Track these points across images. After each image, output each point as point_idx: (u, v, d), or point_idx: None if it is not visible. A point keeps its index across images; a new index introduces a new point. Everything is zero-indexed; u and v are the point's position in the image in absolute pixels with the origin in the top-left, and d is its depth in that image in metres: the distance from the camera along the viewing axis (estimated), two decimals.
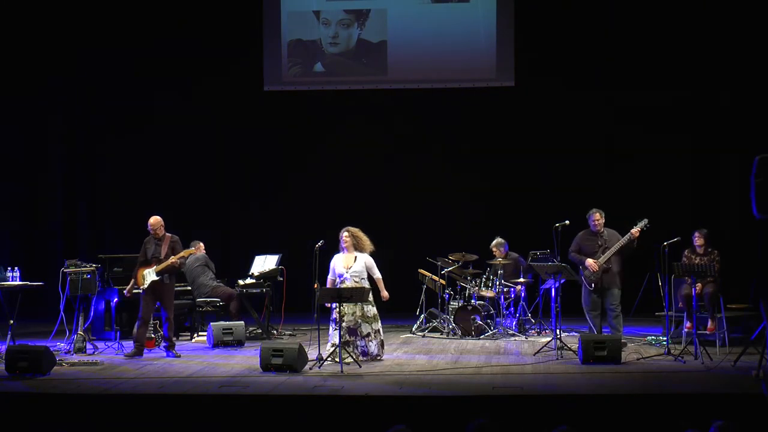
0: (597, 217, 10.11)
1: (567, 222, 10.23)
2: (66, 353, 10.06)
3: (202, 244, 11.96)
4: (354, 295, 9.08)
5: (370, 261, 9.55)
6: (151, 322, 10.31)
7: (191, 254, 11.14)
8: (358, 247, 9.50)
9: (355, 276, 9.42)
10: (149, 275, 9.95)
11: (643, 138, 14.13)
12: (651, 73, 14.02)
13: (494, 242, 11.96)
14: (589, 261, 9.94)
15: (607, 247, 10.02)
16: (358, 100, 14.71)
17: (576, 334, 11.07)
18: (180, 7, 14.72)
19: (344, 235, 9.48)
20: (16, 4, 14.13)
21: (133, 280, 10.14)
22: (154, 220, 10.12)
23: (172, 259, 9.91)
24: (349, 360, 9.13)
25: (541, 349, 9.88)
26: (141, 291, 10.05)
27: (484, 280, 11.80)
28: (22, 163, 14.62)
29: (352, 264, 9.46)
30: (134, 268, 10.18)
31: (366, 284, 9.45)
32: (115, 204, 14.83)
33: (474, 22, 14.43)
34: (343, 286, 9.33)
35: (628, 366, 8.99)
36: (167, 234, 10.12)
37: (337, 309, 9.13)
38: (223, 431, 7.49)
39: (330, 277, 9.59)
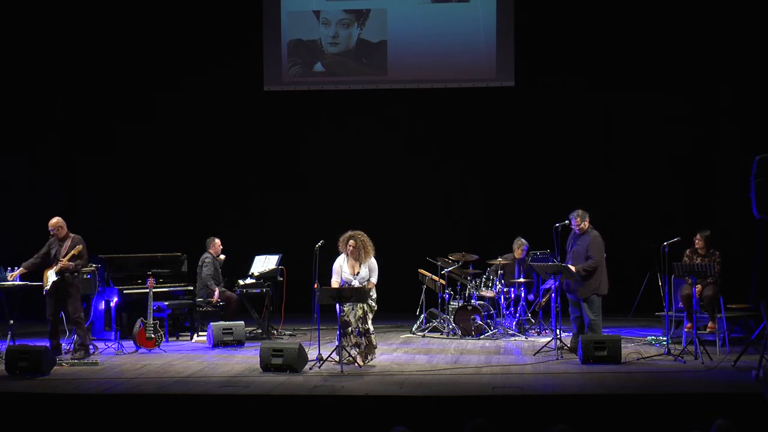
0: (577, 222, 9.97)
1: (567, 222, 10.21)
2: (66, 353, 10.06)
3: (217, 241, 11.97)
4: (354, 295, 9.09)
5: (374, 265, 9.55)
6: (152, 322, 10.32)
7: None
8: (364, 254, 9.49)
9: (363, 281, 9.44)
10: (51, 276, 9.93)
11: (643, 138, 14.13)
12: (651, 73, 14.01)
13: (516, 242, 11.91)
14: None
15: (575, 251, 9.97)
16: (358, 100, 14.69)
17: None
18: (180, 7, 14.71)
19: (351, 242, 9.44)
20: None
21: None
22: (54, 221, 10.10)
23: (63, 260, 9.84)
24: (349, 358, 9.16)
25: (541, 349, 9.89)
26: (45, 292, 10.02)
27: (484, 280, 11.80)
28: (22, 164, 14.61)
29: (359, 269, 9.48)
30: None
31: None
32: (115, 204, 14.82)
33: (474, 22, 14.42)
34: None
35: (628, 366, 9.00)
36: (70, 234, 10.11)
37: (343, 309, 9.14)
38: (223, 431, 7.50)
39: (335, 279, 9.53)
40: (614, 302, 11.24)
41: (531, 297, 11.88)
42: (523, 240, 11.92)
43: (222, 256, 12.01)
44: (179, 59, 14.75)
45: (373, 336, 9.34)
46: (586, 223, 10.01)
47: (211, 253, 11.87)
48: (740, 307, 10.48)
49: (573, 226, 10.03)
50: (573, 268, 9.75)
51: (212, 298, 11.62)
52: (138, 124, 14.94)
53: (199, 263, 11.87)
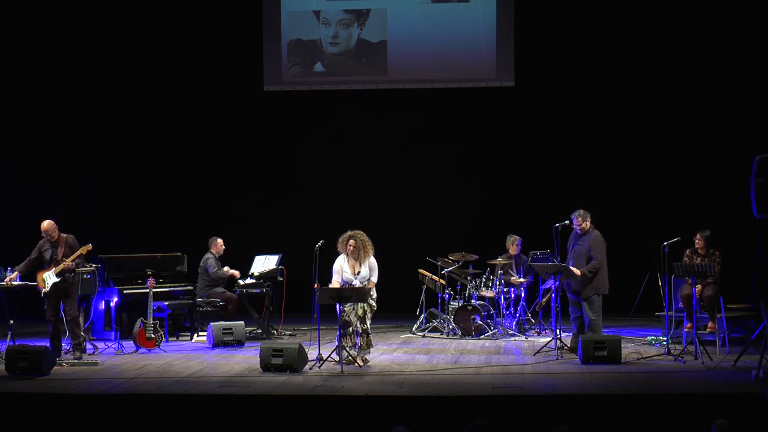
0: (578, 222, 9.97)
1: (567, 222, 10.19)
2: (66, 353, 10.06)
3: (220, 241, 11.99)
4: (355, 295, 9.08)
5: (374, 264, 9.55)
6: (152, 322, 10.32)
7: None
8: (364, 253, 9.48)
9: (364, 281, 9.44)
10: (50, 278, 9.89)
11: (643, 137, 14.13)
12: (650, 73, 14.01)
13: (509, 239, 11.95)
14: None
15: (577, 251, 9.96)
16: (358, 100, 14.69)
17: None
18: (180, 7, 14.71)
19: (351, 242, 9.43)
20: None
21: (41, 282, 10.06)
22: (47, 224, 10.04)
23: (67, 261, 9.83)
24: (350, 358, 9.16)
25: (541, 349, 9.89)
26: (43, 294, 9.98)
27: (484, 280, 11.80)
28: (22, 164, 14.62)
29: (359, 269, 9.47)
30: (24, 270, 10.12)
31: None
32: (115, 204, 14.82)
33: (474, 22, 14.42)
34: None
35: (628, 366, 9.00)
36: (62, 235, 10.08)
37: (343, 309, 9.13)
38: (223, 431, 7.50)
39: (336, 279, 9.52)
40: (614, 302, 11.23)
41: (529, 282, 11.86)
42: (515, 236, 11.94)
43: (227, 268, 11.97)
44: (179, 59, 14.75)
45: (371, 336, 9.36)
46: (588, 223, 10.01)
47: (213, 253, 11.89)
48: (740, 307, 10.47)
49: (574, 226, 10.03)
50: (578, 272, 9.75)
51: (234, 275, 11.81)
52: (138, 124, 14.94)
53: (201, 263, 11.87)
